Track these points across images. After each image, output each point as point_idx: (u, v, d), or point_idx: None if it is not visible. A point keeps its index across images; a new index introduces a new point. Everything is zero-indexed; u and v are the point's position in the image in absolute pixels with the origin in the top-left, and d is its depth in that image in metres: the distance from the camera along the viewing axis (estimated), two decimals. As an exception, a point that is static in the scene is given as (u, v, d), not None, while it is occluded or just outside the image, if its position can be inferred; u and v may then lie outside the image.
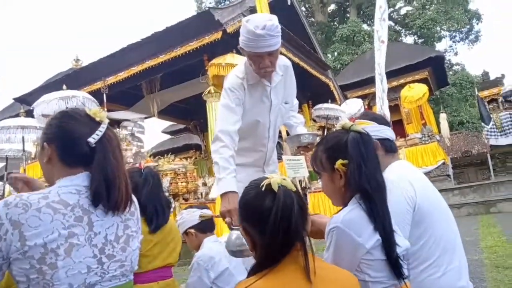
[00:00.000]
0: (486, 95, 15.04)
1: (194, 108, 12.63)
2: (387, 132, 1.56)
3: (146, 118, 12.18)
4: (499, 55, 63.72)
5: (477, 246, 5.68)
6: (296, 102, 2.48)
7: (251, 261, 1.19)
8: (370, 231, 1.11)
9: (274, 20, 1.92)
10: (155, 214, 1.97)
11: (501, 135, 11.22)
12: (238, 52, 7.75)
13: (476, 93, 12.81)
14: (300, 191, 1.35)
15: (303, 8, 25.94)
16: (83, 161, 1.11)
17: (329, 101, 10.28)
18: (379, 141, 1.52)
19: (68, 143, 1.12)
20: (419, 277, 1.32)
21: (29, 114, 7.89)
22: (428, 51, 16.94)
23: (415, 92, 14.19)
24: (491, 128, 11.31)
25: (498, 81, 16.04)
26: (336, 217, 1.16)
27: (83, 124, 1.13)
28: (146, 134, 10.98)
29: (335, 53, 23.99)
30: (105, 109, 8.83)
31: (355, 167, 1.19)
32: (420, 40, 25.39)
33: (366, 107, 14.43)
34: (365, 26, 25.69)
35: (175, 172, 7.91)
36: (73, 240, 1.00)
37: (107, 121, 1.17)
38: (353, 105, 9.89)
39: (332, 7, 28.95)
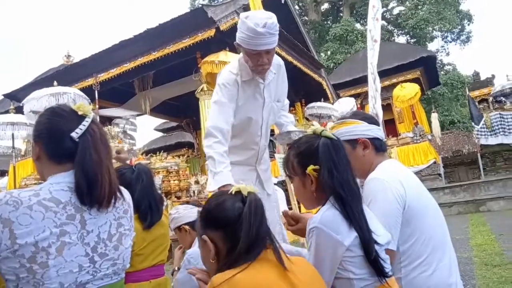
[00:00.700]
0: (477, 95, 15.21)
1: (186, 105, 12.59)
2: (377, 132, 1.57)
3: (138, 115, 12.12)
4: (490, 56, 64.52)
5: (467, 244, 5.75)
6: (287, 101, 2.48)
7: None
8: (347, 229, 1.12)
9: (273, 18, 1.92)
10: (149, 211, 1.95)
11: (491, 135, 11.35)
12: (231, 50, 7.80)
13: (467, 93, 12.94)
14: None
15: (297, 7, 25.96)
16: (70, 157, 1.08)
17: (322, 99, 10.35)
18: (369, 140, 1.53)
19: (53, 140, 1.09)
20: (410, 274, 1.33)
21: (19, 110, 7.75)
22: (420, 51, 17.09)
23: (407, 91, 14.34)
24: (481, 128, 11.43)
25: (489, 82, 16.21)
26: (314, 217, 1.17)
27: (68, 120, 1.11)
28: (138, 131, 10.94)
29: (328, 52, 24.09)
30: (97, 106, 8.76)
31: (326, 172, 1.20)
32: (412, 40, 25.60)
33: (358, 106, 14.54)
34: (358, 26, 25.81)
35: (168, 170, 7.89)
36: (65, 239, 0.98)
37: (92, 115, 1.14)
38: (346, 104, 9.96)
39: (326, 6, 29.03)
